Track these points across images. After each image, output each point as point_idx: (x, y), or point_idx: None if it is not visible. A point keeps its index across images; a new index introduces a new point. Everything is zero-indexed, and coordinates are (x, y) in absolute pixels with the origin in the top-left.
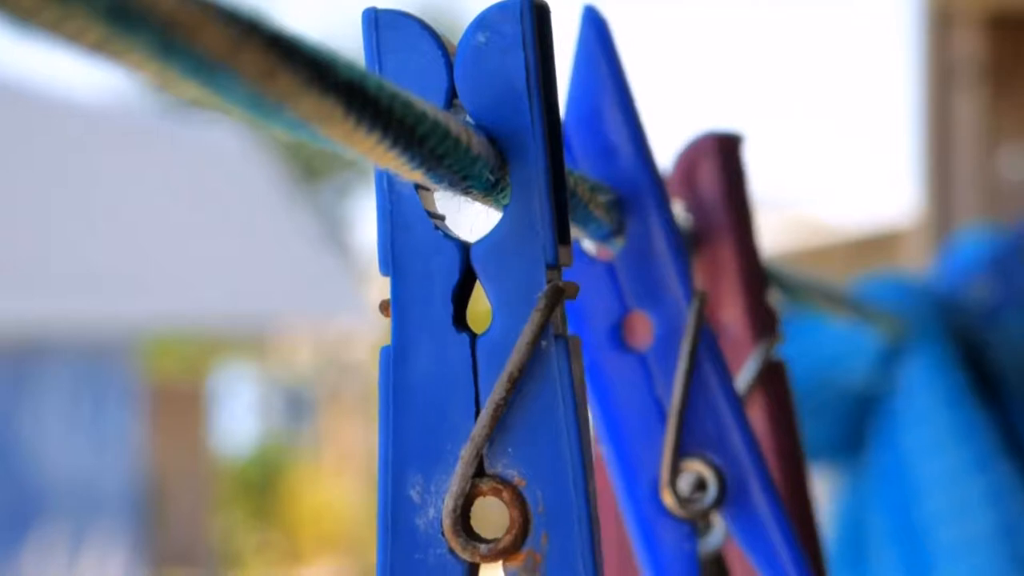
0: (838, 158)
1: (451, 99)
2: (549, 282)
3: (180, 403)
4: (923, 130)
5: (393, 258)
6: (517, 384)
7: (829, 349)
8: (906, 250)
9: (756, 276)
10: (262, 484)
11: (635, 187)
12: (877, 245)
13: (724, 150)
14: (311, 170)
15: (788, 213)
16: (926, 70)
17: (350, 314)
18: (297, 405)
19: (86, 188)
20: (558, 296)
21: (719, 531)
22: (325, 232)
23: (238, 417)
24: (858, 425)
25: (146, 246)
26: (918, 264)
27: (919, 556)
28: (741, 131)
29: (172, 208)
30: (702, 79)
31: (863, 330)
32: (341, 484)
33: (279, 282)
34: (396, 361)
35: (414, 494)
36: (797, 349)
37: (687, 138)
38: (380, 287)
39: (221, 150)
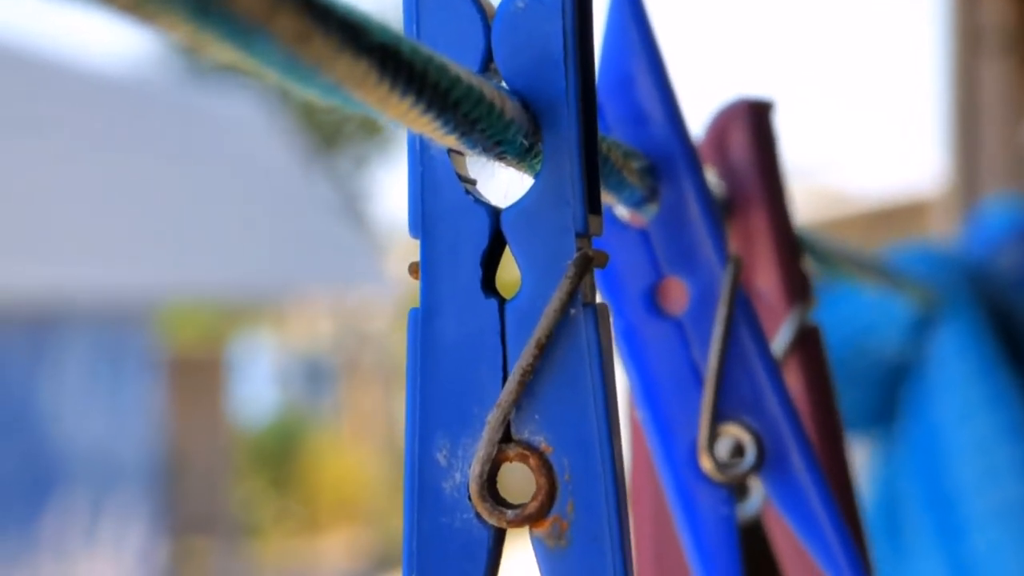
0: (856, 126)
1: (487, 62)
2: (579, 250)
3: (199, 373)
4: (950, 98)
5: (423, 221)
6: (545, 351)
7: (862, 319)
8: (930, 220)
9: (789, 241)
10: (281, 453)
11: (667, 153)
12: (896, 215)
13: (755, 116)
14: (329, 140)
15: (806, 183)
16: (953, 37)
17: (369, 284)
18: (316, 375)
19: (106, 157)
20: (587, 264)
21: (757, 496)
22: (343, 202)
23: (257, 387)
24: (892, 395)
25: (165, 215)
26: (944, 233)
27: (951, 524)
28: (772, 97)
29: (191, 178)
30: (719, 44)
31: (894, 299)
32: (360, 453)
33: (298, 252)
34: (424, 324)
35: (441, 458)
36: (830, 320)
37: (717, 104)
38: (398, 257)
39: (240, 120)
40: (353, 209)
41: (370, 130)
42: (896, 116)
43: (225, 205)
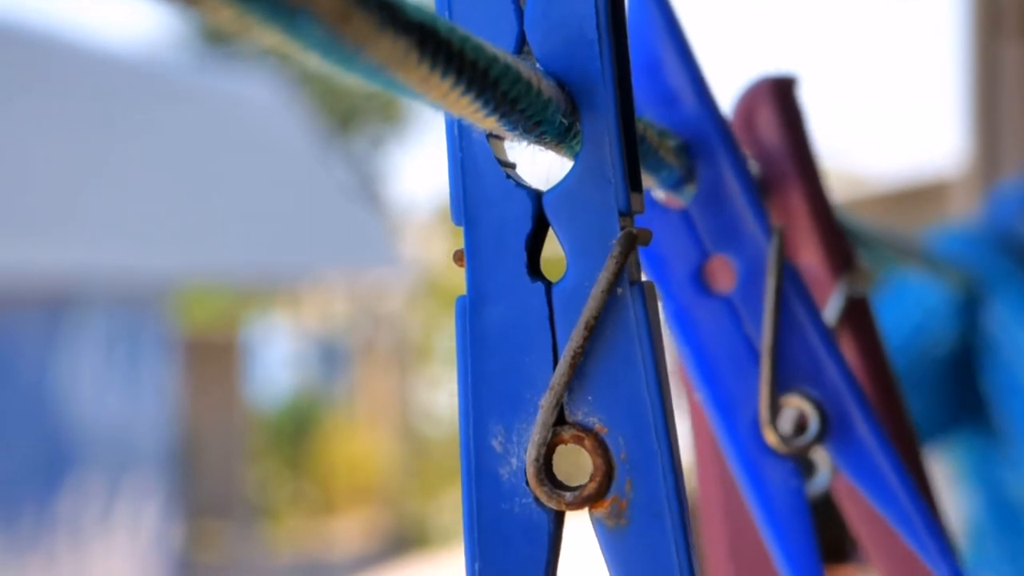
0: (875, 109)
1: (521, 45)
2: (622, 229)
3: (214, 354)
4: (969, 79)
5: (465, 208)
6: (594, 331)
7: (908, 323)
8: (949, 200)
9: (828, 215)
10: (296, 435)
11: (701, 132)
12: (915, 197)
13: (780, 93)
14: (345, 122)
15: (825, 165)
16: (973, 18)
17: (384, 266)
18: (331, 357)
19: (122, 139)
20: (631, 243)
21: (824, 471)
22: (359, 184)
23: (272, 368)
24: (960, 391)
25: (180, 197)
26: (964, 214)
27: None
28: (795, 73)
29: (207, 159)
30: (734, 26)
31: (931, 293)
32: (374, 435)
33: (313, 234)
34: (472, 311)
35: (496, 444)
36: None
37: (742, 85)
38: (413, 239)
39: (256, 102)
40: (368, 191)
41: (386, 111)
42: (915, 98)
43: (241, 187)
